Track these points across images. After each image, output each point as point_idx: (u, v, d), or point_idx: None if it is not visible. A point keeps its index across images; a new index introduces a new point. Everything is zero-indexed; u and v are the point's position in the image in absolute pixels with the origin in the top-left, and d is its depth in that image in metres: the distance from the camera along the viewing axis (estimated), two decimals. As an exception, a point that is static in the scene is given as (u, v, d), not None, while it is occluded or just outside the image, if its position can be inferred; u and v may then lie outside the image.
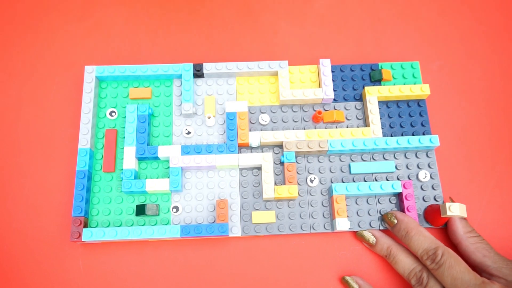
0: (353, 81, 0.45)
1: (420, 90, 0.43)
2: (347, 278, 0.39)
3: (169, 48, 0.47)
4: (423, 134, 0.43)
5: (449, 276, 0.35)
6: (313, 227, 0.40)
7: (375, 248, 0.39)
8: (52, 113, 0.45)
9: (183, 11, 0.49)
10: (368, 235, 0.40)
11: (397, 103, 0.44)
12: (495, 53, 0.47)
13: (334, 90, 0.44)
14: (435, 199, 0.41)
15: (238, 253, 0.40)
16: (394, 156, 0.43)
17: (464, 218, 0.39)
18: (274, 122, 0.43)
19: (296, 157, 0.42)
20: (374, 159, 0.43)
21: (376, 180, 0.42)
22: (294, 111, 0.44)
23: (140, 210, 0.40)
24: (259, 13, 0.49)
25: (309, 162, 0.42)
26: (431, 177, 0.42)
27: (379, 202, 0.41)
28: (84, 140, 0.41)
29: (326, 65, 0.44)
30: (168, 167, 0.42)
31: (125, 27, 0.48)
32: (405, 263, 0.37)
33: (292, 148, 0.41)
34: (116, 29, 0.48)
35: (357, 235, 0.40)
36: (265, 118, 0.43)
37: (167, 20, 0.48)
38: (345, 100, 0.44)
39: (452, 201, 0.40)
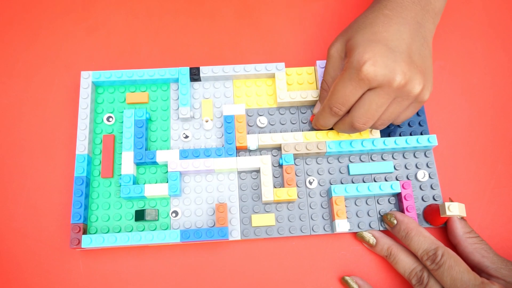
0: (350, 81, 0.45)
1: (417, 89, 0.43)
2: (347, 278, 0.39)
3: (165, 52, 0.47)
4: (421, 134, 0.43)
5: (449, 276, 0.35)
6: (312, 229, 0.40)
7: (375, 249, 0.40)
8: (50, 118, 0.44)
9: (179, 14, 0.49)
10: (368, 236, 0.40)
11: (395, 103, 0.44)
12: (494, 53, 0.47)
13: (331, 91, 0.44)
14: (434, 199, 0.41)
15: (238, 257, 0.40)
16: (392, 156, 0.43)
17: (463, 219, 0.39)
18: (272, 125, 0.43)
19: (294, 159, 0.42)
20: (372, 159, 0.43)
21: (375, 181, 0.42)
22: (292, 113, 0.44)
23: (139, 215, 0.40)
24: (255, 16, 0.49)
25: (307, 164, 0.42)
26: (429, 176, 0.42)
27: (378, 202, 0.41)
28: (82, 146, 0.41)
29: (323, 66, 0.43)
30: (167, 171, 0.42)
31: (122, 31, 0.48)
32: (405, 263, 0.38)
33: (291, 150, 0.41)
34: (113, 33, 0.48)
35: (357, 236, 0.40)
36: (262, 121, 0.43)
37: (163, 24, 0.48)
38: (343, 101, 0.44)
39: (451, 201, 0.40)
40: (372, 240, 0.39)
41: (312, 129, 0.43)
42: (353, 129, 0.38)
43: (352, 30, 0.37)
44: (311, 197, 0.41)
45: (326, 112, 0.38)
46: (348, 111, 0.38)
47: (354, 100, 0.36)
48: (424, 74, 0.36)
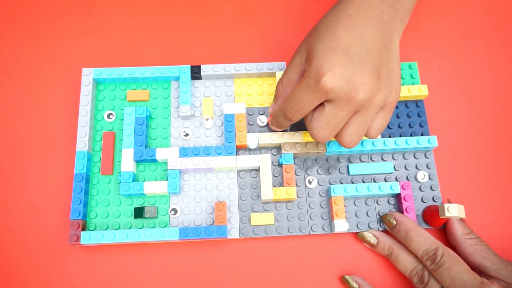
0: (351, 82, 0.45)
1: (418, 90, 0.43)
2: (347, 277, 0.39)
3: (166, 51, 0.47)
4: (422, 134, 0.43)
5: (448, 276, 0.35)
6: (311, 229, 0.40)
7: (376, 249, 0.39)
8: (50, 117, 0.44)
9: (180, 13, 0.49)
10: (369, 236, 0.40)
11: (395, 103, 0.44)
12: (494, 53, 0.47)
13: (332, 91, 0.44)
14: (433, 200, 0.41)
15: (236, 255, 0.40)
16: (392, 157, 0.43)
17: (462, 220, 0.39)
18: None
19: (294, 159, 0.42)
20: (372, 160, 0.42)
21: (375, 181, 0.42)
22: (292, 113, 0.44)
23: (139, 212, 0.40)
24: (256, 15, 0.49)
25: (307, 164, 0.42)
26: (429, 178, 0.42)
27: (377, 203, 0.41)
28: (82, 143, 0.41)
29: (324, 66, 0.43)
30: (166, 169, 0.42)
31: (123, 29, 0.48)
32: (406, 262, 0.38)
33: (290, 149, 0.41)
34: (114, 31, 0.48)
35: (358, 237, 0.40)
36: (263, 120, 0.43)
37: (164, 22, 0.48)
38: (343, 101, 0.44)
39: (450, 202, 0.40)
40: (373, 240, 0.39)
41: (271, 130, 0.42)
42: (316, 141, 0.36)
43: (314, 34, 0.35)
44: (310, 197, 0.41)
45: (281, 114, 0.37)
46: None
47: (309, 109, 0.35)
48: (385, 78, 0.34)
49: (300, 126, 0.43)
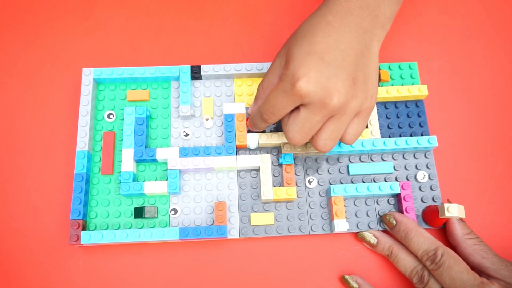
0: (351, 82, 0.45)
1: (418, 90, 0.43)
2: (347, 277, 0.39)
3: (166, 51, 0.47)
4: (422, 134, 0.43)
5: (448, 276, 0.35)
6: (311, 229, 0.40)
7: (376, 249, 0.39)
8: (51, 115, 0.44)
9: (180, 13, 0.49)
10: (369, 236, 0.40)
11: (395, 104, 0.44)
12: (494, 53, 0.47)
13: (332, 91, 0.44)
14: (433, 200, 0.41)
15: (236, 255, 0.40)
16: (392, 157, 0.43)
17: (462, 220, 0.39)
18: (272, 124, 0.43)
19: (294, 159, 0.42)
20: (372, 160, 0.43)
21: (375, 181, 0.42)
22: (292, 113, 0.44)
23: (139, 212, 0.40)
24: (256, 15, 0.49)
25: (307, 164, 0.42)
26: (429, 178, 0.42)
27: (377, 203, 0.41)
28: (82, 143, 0.41)
29: (324, 66, 0.43)
30: (166, 169, 0.42)
31: (123, 29, 0.48)
32: (406, 262, 0.38)
33: (290, 149, 0.41)
34: (114, 31, 0.48)
35: (358, 237, 0.40)
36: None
37: (164, 22, 0.48)
38: (343, 101, 0.44)
39: (450, 202, 0.40)
40: (373, 240, 0.39)
41: (249, 130, 0.42)
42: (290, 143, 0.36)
43: (293, 39, 0.35)
44: (310, 197, 0.41)
45: (258, 116, 0.37)
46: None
47: (285, 113, 0.35)
48: (361, 85, 0.34)
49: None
